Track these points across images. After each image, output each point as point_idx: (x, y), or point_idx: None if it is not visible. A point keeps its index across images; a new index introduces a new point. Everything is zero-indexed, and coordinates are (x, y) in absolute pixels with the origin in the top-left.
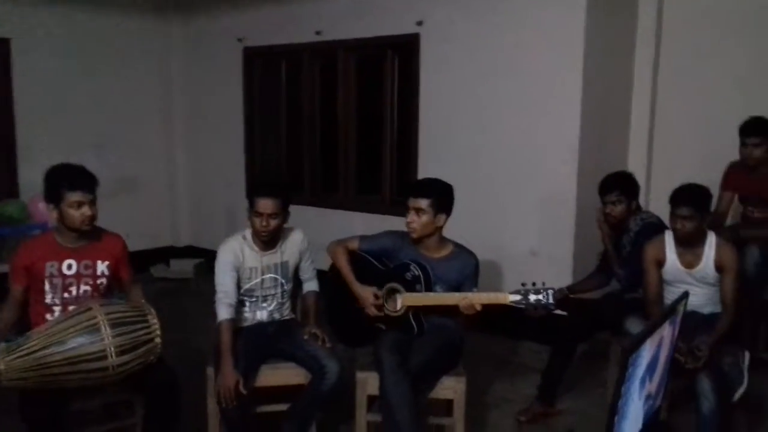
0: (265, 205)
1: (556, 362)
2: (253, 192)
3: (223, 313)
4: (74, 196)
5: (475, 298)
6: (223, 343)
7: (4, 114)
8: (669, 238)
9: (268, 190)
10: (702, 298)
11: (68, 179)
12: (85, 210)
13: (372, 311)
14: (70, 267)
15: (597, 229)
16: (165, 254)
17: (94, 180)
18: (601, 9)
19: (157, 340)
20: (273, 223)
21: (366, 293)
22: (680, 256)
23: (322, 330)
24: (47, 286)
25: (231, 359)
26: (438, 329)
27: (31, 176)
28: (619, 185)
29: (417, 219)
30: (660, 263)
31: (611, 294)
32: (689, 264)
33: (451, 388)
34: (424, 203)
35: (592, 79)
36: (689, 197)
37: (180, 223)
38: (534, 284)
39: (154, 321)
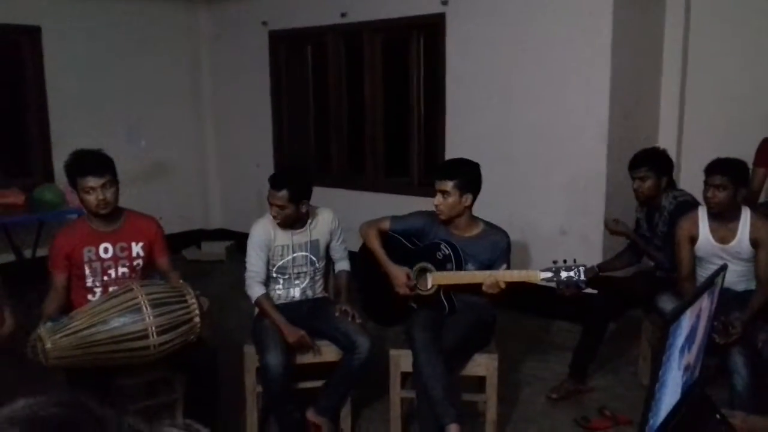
0: (273, 195)
1: (587, 340)
2: (269, 181)
3: (257, 290)
4: (85, 182)
5: (505, 276)
6: (269, 311)
7: (37, 101)
8: (702, 213)
9: (275, 181)
10: (735, 275)
11: (78, 165)
12: (98, 194)
13: (404, 290)
14: (106, 250)
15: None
16: (196, 237)
17: (107, 163)
18: None
19: (196, 319)
20: (282, 213)
21: (399, 273)
22: (713, 231)
23: (352, 306)
24: (87, 271)
25: (283, 319)
26: (470, 307)
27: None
28: (648, 161)
29: (443, 201)
30: (693, 239)
31: (642, 271)
32: (723, 239)
33: (483, 365)
34: (449, 185)
35: (620, 55)
36: (723, 166)
37: (211, 206)
38: (565, 261)
39: (192, 301)
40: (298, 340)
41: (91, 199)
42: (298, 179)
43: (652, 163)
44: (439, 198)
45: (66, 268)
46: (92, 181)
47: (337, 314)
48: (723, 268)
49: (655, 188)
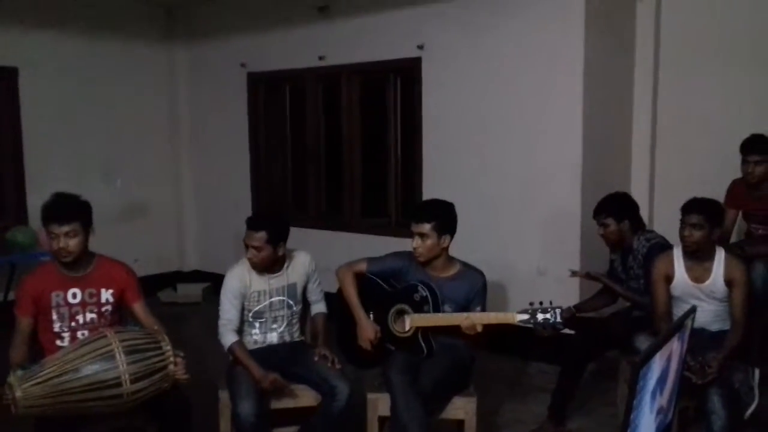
0: (251, 236)
1: (565, 382)
2: (247, 223)
3: (230, 337)
4: (50, 228)
5: (482, 318)
6: (242, 357)
7: (12, 141)
8: (678, 253)
9: (254, 223)
10: (710, 315)
11: (46, 209)
12: (59, 242)
13: (365, 345)
14: (74, 296)
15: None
16: (172, 279)
17: (76, 211)
18: (599, 28)
19: (171, 367)
20: (259, 254)
21: (368, 328)
22: (689, 270)
23: (331, 351)
24: (54, 316)
25: (256, 364)
26: (448, 349)
27: (39, 203)
28: (606, 208)
29: (422, 244)
30: (669, 278)
31: (619, 312)
32: (698, 279)
33: (461, 408)
34: (426, 227)
35: (592, 97)
36: (700, 206)
37: (187, 247)
38: (541, 303)
39: (167, 348)
40: (271, 384)
41: (53, 245)
42: (276, 221)
43: (611, 210)
44: (417, 241)
45: (32, 312)
46: (55, 228)
47: (316, 359)
48: (692, 311)
49: (617, 233)
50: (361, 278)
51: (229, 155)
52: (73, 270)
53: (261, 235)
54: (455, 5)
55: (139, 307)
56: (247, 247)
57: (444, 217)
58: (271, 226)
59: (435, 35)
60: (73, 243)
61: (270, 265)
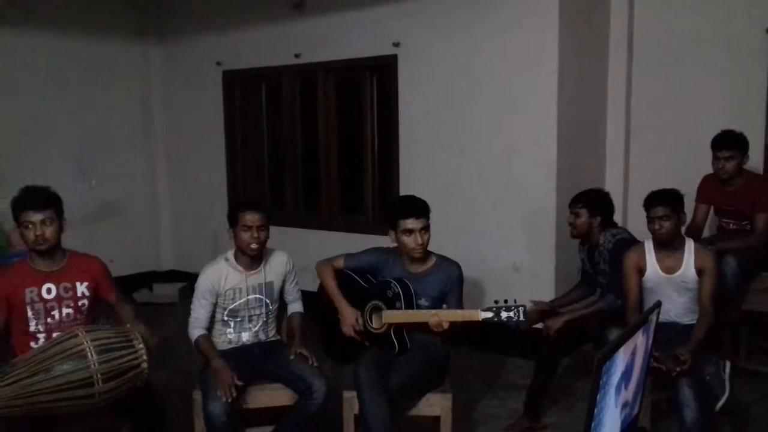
0: (253, 218)
1: (540, 376)
2: (238, 208)
3: (196, 332)
4: (24, 216)
5: (449, 315)
6: (206, 351)
7: None
8: (649, 245)
9: (254, 204)
10: (681, 308)
11: (20, 200)
12: (35, 229)
13: (348, 332)
14: (49, 291)
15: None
16: (148, 279)
17: (49, 199)
18: (573, 26)
19: (144, 365)
20: (262, 235)
21: (349, 314)
22: (660, 261)
23: (308, 350)
24: (29, 313)
25: (220, 360)
26: (422, 346)
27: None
28: (583, 199)
29: (425, 236)
30: (641, 271)
31: None
32: (669, 269)
33: (437, 404)
34: (425, 221)
35: (567, 94)
36: (662, 197)
37: (163, 247)
38: (506, 301)
39: (140, 346)
40: (229, 383)
41: (29, 234)
42: (266, 202)
43: (587, 202)
44: (421, 236)
45: (5, 312)
46: (31, 216)
47: (292, 357)
48: (657, 305)
49: (586, 225)
50: (339, 274)
51: (205, 154)
52: (47, 264)
53: (263, 215)
54: (430, 2)
55: (113, 298)
56: (247, 230)
57: (428, 207)
58: (267, 206)
59: (411, 32)
60: (49, 231)
61: (261, 253)
